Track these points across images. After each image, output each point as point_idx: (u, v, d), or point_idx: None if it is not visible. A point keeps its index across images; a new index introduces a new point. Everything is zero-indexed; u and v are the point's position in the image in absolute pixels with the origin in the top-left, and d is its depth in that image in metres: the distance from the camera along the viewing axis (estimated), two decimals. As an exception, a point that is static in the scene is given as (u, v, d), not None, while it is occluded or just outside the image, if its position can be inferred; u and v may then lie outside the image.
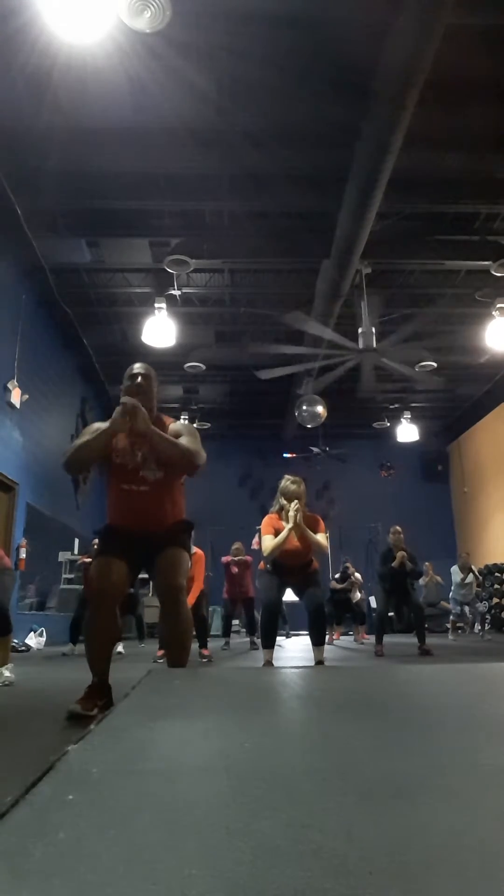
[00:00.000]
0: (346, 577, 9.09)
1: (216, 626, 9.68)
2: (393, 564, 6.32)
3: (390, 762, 0.96)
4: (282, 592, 4.40)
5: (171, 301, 8.26)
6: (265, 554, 4.20)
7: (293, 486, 4.24)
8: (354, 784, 0.84)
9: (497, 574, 11.29)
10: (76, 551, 9.71)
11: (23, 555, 7.92)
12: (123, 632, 5.70)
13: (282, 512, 4.22)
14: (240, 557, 7.69)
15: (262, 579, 4.41)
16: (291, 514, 4.10)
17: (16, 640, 6.54)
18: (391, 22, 4.31)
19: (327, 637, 5.76)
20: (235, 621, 8.64)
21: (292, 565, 4.25)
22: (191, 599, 4.54)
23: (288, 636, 9.89)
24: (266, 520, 4.27)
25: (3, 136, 5.57)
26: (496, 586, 11.17)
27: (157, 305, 8.13)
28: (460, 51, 4.84)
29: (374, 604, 8.78)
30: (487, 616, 9.82)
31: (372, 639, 7.21)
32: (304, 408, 9.87)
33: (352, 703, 1.59)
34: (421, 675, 2.45)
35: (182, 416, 11.51)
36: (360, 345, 7.39)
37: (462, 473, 13.91)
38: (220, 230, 7.23)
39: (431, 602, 10.40)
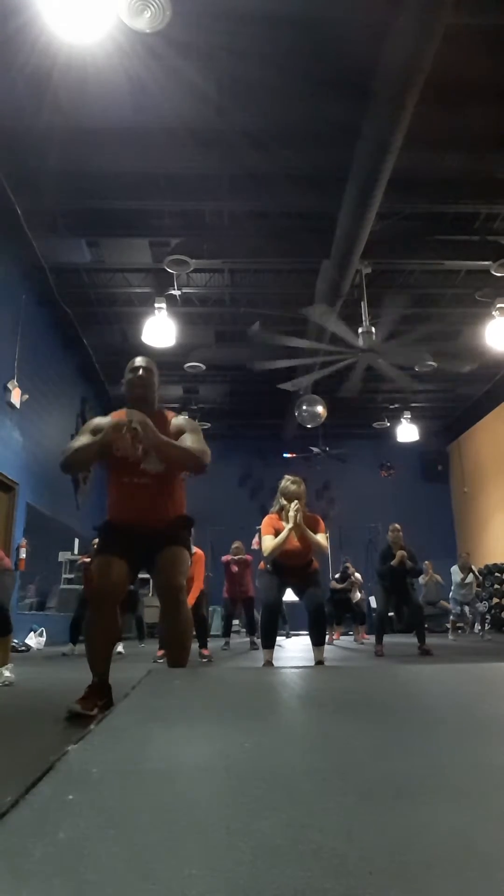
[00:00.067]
0: (346, 577, 9.10)
1: (216, 626, 9.68)
2: (392, 563, 6.32)
3: (390, 762, 0.96)
4: (282, 592, 4.40)
5: (171, 301, 8.26)
6: (265, 554, 4.20)
7: (293, 487, 4.24)
8: (354, 784, 0.84)
9: (497, 574, 11.29)
10: (76, 551, 9.71)
11: (23, 555, 7.91)
12: (123, 632, 5.71)
13: (282, 512, 4.21)
14: (240, 557, 7.68)
15: (263, 579, 4.41)
16: (291, 514, 4.09)
17: (16, 640, 6.54)
18: (391, 22, 4.31)
19: (327, 637, 5.76)
20: (235, 621, 8.64)
21: (292, 565, 4.25)
22: (191, 599, 4.54)
23: (288, 636, 9.89)
24: (266, 520, 4.27)
25: (3, 136, 5.57)
26: (496, 586, 11.17)
27: (157, 305, 8.13)
28: (460, 51, 4.84)
29: (374, 604, 8.78)
30: (487, 616, 9.81)
31: (372, 639, 7.21)
32: (304, 408, 9.87)
33: (352, 703, 1.59)
34: (421, 675, 2.45)
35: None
36: (360, 345, 7.39)
37: (462, 473, 13.91)
38: (220, 230, 7.23)
39: (431, 601, 10.39)
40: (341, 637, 9.74)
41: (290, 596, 4.53)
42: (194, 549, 4.97)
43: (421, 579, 9.96)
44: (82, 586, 7.29)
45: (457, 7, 4.20)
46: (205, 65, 5.00)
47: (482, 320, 8.60)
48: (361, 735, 1.17)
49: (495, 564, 11.49)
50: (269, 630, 4.34)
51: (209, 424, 12.47)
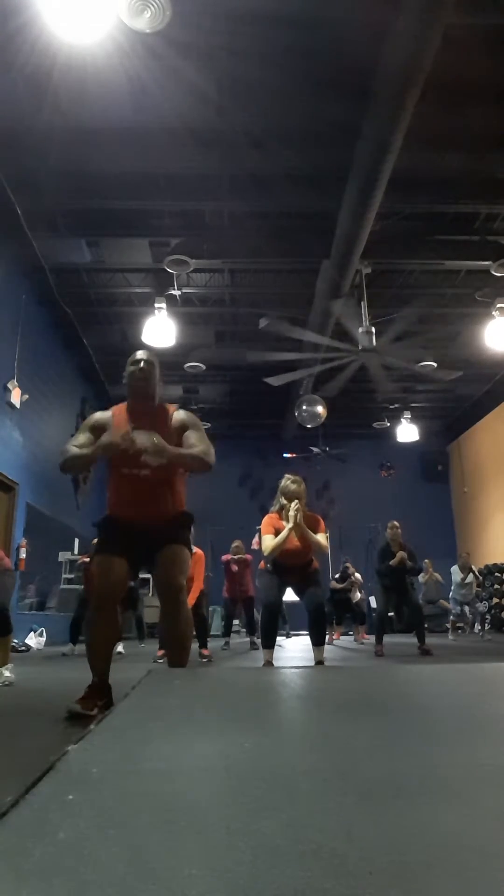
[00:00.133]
0: (345, 576, 9.10)
1: (216, 626, 9.68)
2: (391, 563, 6.30)
3: (390, 762, 0.96)
4: (282, 592, 4.40)
5: (171, 301, 8.26)
6: (265, 553, 4.19)
7: (293, 486, 4.23)
8: (354, 784, 0.84)
9: (497, 574, 11.29)
10: (76, 551, 9.71)
11: (23, 555, 7.91)
12: (123, 632, 5.71)
13: (282, 511, 4.21)
14: (240, 556, 7.68)
15: (263, 579, 4.41)
16: (292, 513, 4.09)
17: (16, 640, 6.54)
18: (391, 22, 4.31)
19: (327, 637, 5.75)
20: (236, 621, 8.64)
21: (292, 565, 4.25)
22: (191, 599, 4.53)
23: (288, 636, 9.89)
24: (266, 519, 4.26)
25: (3, 136, 5.56)
26: (496, 586, 11.17)
27: (157, 305, 8.13)
28: (460, 51, 4.84)
29: (374, 604, 8.78)
30: (487, 616, 9.81)
31: (372, 639, 7.21)
32: (304, 408, 9.87)
33: (352, 703, 1.59)
34: (421, 675, 2.45)
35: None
36: (360, 345, 7.39)
37: (462, 473, 13.91)
38: (220, 230, 7.23)
39: (431, 599, 10.38)
40: (341, 637, 9.74)
41: (289, 596, 4.53)
42: (194, 549, 4.97)
43: (421, 578, 9.96)
44: (82, 586, 7.29)
45: (457, 7, 4.20)
46: (205, 65, 5.00)
47: (482, 320, 8.60)
48: (361, 735, 1.17)
49: (495, 564, 11.49)
50: (269, 630, 4.33)
51: (209, 424, 12.45)
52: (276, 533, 4.14)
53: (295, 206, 6.87)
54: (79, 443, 2.63)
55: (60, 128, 5.47)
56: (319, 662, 4.17)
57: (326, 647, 4.67)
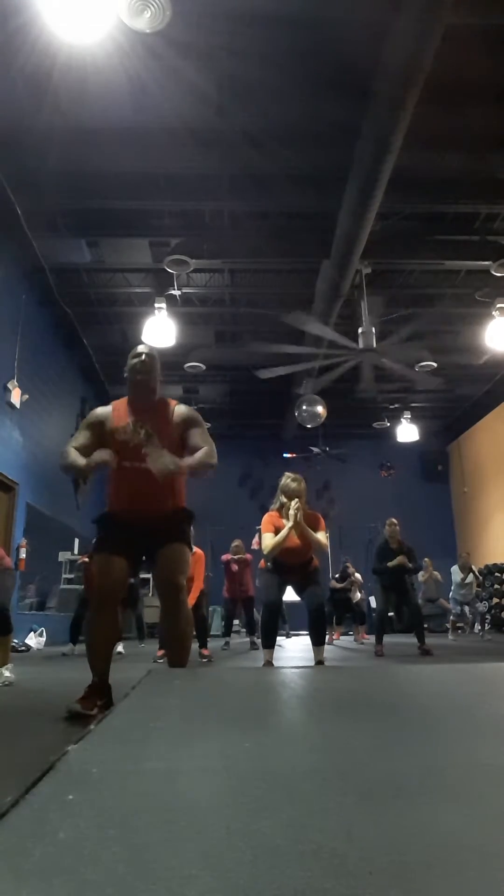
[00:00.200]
0: (345, 576, 9.10)
1: (216, 626, 9.68)
2: (390, 565, 6.26)
3: (390, 762, 0.96)
4: (282, 591, 4.39)
5: (171, 301, 8.26)
6: (266, 552, 4.19)
7: (294, 484, 4.23)
8: (354, 784, 0.84)
9: (497, 574, 11.29)
10: (76, 551, 9.71)
11: (23, 555, 7.91)
12: (123, 631, 5.71)
13: (282, 510, 4.20)
14: (240, 556, 7.68)
15: (263, 578, 4.41)
16: (292, 512, 4.08)
17: (16, 640, 6.54)
18: (391, 22, 4.31)
19: (327, 637, 5.75)
20: (236, 621, 8.64)
21: (293, 563, 4.24)
22: (191, 599, 4.53)
23: (288, 636, 9.89)
24: (266, 517, 4.25)
25: (3, 136, 5.57)
26: (496, 586, 11.16)
27: (157, 305, 8.14)
28: (460, 51, 4.84)
29: (374, 604, 8.77)
30: (487, 616, 9.81)
31: (372, 639, 7.20)
32: (304, 408, 9.86)
33: (352, 704, 1.59)
34: (421, 675, 2.45)
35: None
36: (360, 345, 7.39)
37: (462, 473, 13.91)
38: (220, 230, 7.23)
39: (431, 598, 10.36)
40: (341, 637, 9.74)
41: (289, 596, 4.52)
42: (194, 549, 4.97)
43: (420, 576, 9.95)
44: (82, 586, 7.29)
45: (457, 7, 4.20)
46: (205, 65, 5.00)
47: (482, 320, 8.60)
48: (361, 735, 1.17)
49: (495, 564, 11.49)
50: (269, 630, 4.33)
51: (209, 424, 12.42)
52: (277, 531, 4.14)
53: (295, 206, 6.87)
54: (78, 443, 2.62)
55: (60, 128, 5.47)
56: (319, 662, 4.16)
57: (326, 647, 4.66)
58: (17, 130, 5.53)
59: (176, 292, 8.17)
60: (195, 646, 5.45)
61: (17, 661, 4.35)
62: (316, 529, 4.16)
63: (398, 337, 7.41)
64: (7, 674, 3.52)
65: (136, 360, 2.68)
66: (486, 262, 7.64)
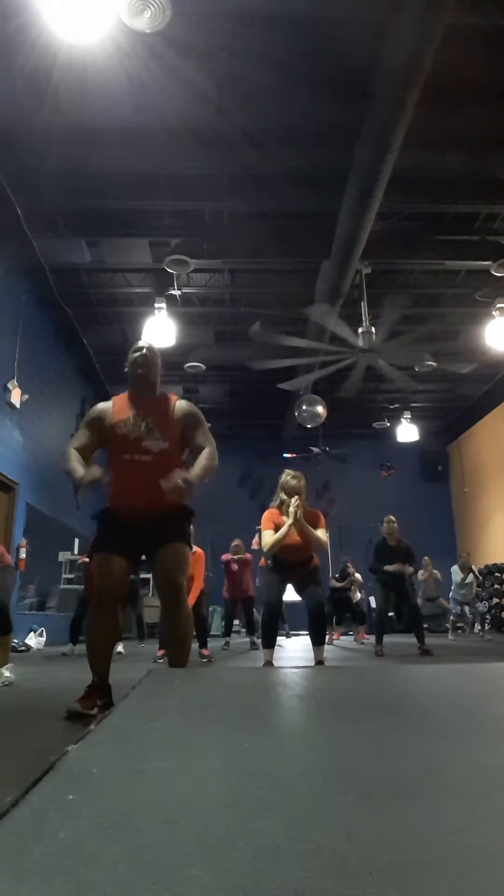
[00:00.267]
0: (345, 575, 9.10)
1: (216, 626, 9.67)
2: (387, 568, 6.23)
3: (390, 762, 0.96)
4: (282, 590, 4.38)
5: (171, 301, 8.26)
6: (266, 549, 4.18)
7: (293, 482, 4.23)
8: (354, 784, 0.84)
9: (497, 574, 11.29)
10: (76, 551, 9.71)
11: (23, 555, 7.91)
12: (123, 631, 5.71)
13: (282, 507, 4.20)
14: (240, 556, 7.68)
15: (263, 576, 4.40)
16: (292, 509, 4.08)
17: (16, 640, 6.54)
18: (391, 22, 4.31)
19: (327, 637, 5.75)
20: (236, 621, 8.64)
21: (293, 561, 4.23)
22: (191, 599, 4.53)
23: (288, 636, 9.89)
24: (266, 514, 4.23)
25: (3, 136, 5.57)
26: (496, 586, 11.16)
27: (157, 305, 8.14)
28: (460, 51, 4.84)
29: (374, 604, 8.77)
30: (487, 616, 9.81)
31: (372, 639, 7.20)
32: (304, 408, 9.86)
33: (352, 704, 1.59)
34: (421, 675, 2.45)
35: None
36: (360, 345, 7.38)
37: (462, 473, 13.91)
38: (220, 230, 7.23)
39: (430, 597, 10.36)
40: (341, 637, 9.74)
41: (289, 596, 4.52)
42: (195, 548, 4.97)
43: (420, 575, 9.95)
44: (82, 586, 7.29)
45: (457, 7, 4.20)
46: (205, 65, 5.00)
47: (482, 320, 8.60)
48: (361, 735, 1.17)
49: (495, 564, 11.49)
50: (269, 629, 4.33)
51: (209, 424, 12.44)
52: (277, 528, 4.13)
53: (295, 206, 6.87)
54: (79, 443, 2.62)
55: (60, 128, 5.47)
56: (319, 662, 4.16)
57: (326, 647, 4.66)
58: (17, 130, 5.53)
59: (176, 292, 8.18)
60: (195, 646, 5.45)
61: (17, 661, 4.35)
62: (316, 526, 4.16)
63: (398, 337, 7.41)
64: (7, 674, 3.52)
65: (136, 355, 2.68)
66: (486, 262, 7.65)
